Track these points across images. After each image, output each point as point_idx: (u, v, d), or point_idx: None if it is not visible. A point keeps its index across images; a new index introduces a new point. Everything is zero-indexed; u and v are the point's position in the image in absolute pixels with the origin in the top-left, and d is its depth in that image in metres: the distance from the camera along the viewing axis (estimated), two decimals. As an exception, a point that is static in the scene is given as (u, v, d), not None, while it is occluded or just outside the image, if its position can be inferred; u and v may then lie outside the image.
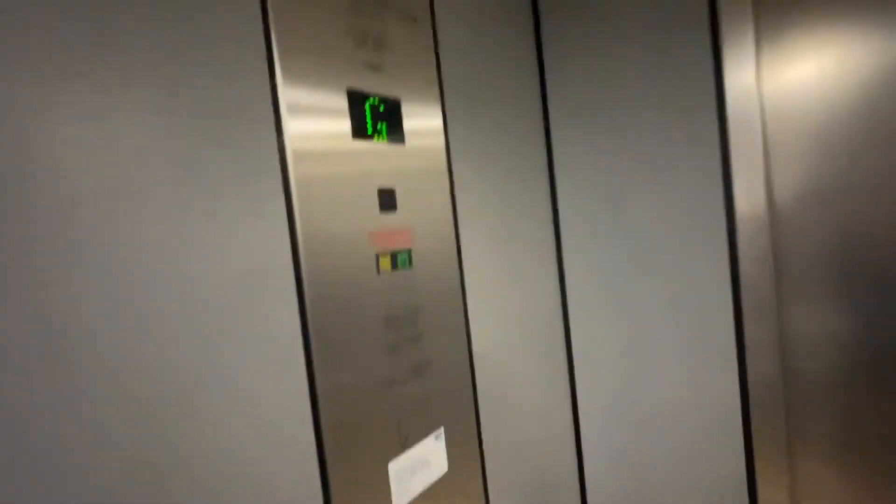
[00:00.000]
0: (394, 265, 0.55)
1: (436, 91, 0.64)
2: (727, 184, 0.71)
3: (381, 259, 0.54)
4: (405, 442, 0.55)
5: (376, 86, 0.55)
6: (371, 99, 0.54)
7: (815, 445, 0.75)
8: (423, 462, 0.58)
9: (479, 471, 0.67)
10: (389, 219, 0.55)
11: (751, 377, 0.72)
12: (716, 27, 0.69)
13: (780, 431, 0.75)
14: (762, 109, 0.72)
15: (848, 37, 0.68)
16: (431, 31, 0.63)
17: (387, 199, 0.55)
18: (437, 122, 0.63)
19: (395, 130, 0.56)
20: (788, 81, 0.72)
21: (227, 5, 0.42)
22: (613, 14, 0.79)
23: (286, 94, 0.45)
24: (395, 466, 0.54)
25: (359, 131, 0.52)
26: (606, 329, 0.87)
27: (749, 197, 0.69)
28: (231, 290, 0.40)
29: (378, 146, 0.55)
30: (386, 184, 0.55)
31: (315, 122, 0.48)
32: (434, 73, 0.63)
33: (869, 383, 0.71)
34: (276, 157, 0.45)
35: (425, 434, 0.58)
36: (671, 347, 0.80)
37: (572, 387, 0.92)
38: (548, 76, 0.89)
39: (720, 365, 0.75)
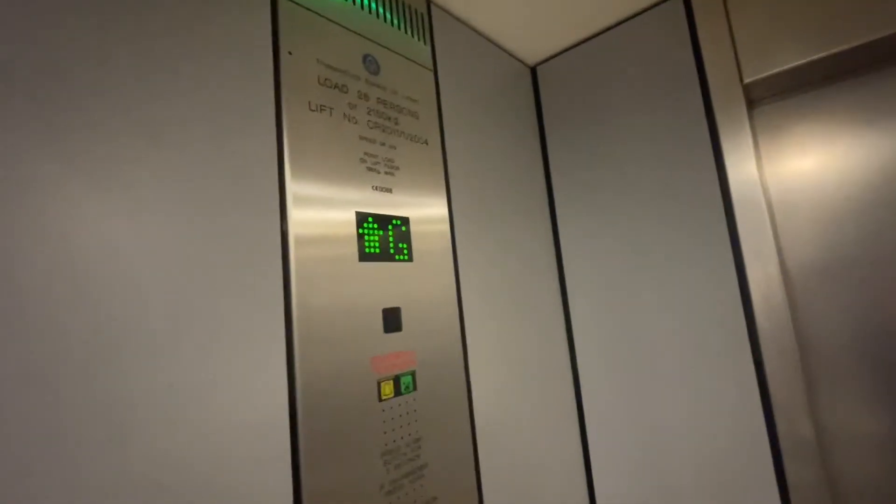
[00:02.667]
0: (397, 391, 0.52)
1: (444, 204, 0.65)
2: (741, 275, 0.68)
3: (382, 386, 0.51)
4: None
5: (385, 207, 0.56)
6: (379, 220, 0.54)
7: None
8: None
9: None
10: (394, 340, 0.53)
11: (790, 477, 0.64)
12: (714, 127, 0.71)
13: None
14: (768, 200, 0.72)
15: (843, 136, 0.69)
16: (441, 151, 0.66)
17: (392, 320, 0.54)
18: (446, 237, 0.64)
19: (402, 250, 0.56)
20: (790, 173, 0.73)
21: (243, 144, 0.44)
22: (615, 121, 0.83)
23: (294, 217, 0.46)
24: None
25: (367, 253, 0.52)
26: (624, 441, 0.79)
27: (765, 287, 0.66)
28: (215, 423, 0.37)
29: (385, 266, 0.54)
30: (391, 303, 0.54)
31: (323, 244, 0.48)
32: (443, 189, 0.65)
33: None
34: (280, 283, 0.44)
35: (426, 589, 0.51)
36: (692, 459, 0.72)
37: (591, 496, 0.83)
38: (555, 183, 0.91)
39: (751, 472, 0.66)
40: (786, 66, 0.66)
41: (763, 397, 0.66)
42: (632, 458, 0.79)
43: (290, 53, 0.49)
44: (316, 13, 0.52)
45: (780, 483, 0.65)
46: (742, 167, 0.69)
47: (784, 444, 0.65)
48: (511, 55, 0.90)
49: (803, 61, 0.65)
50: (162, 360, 0.35)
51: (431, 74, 0.67)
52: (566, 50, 0.90)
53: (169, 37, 0.40)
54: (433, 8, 0.71)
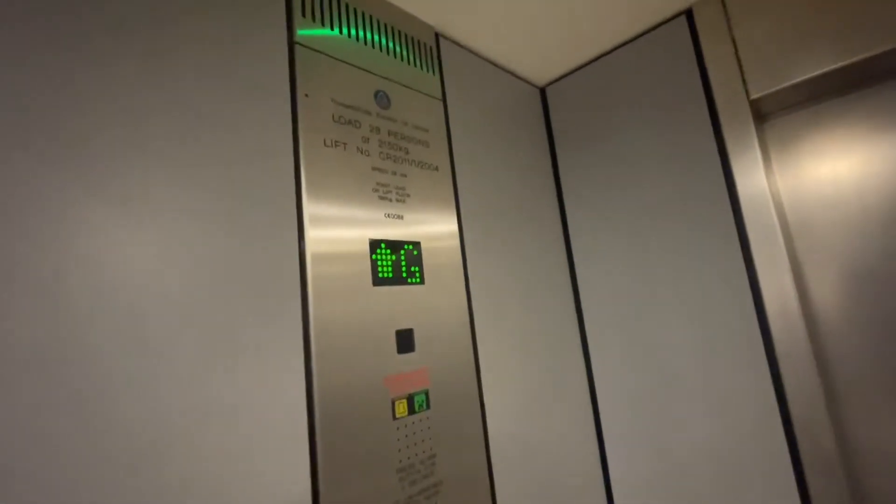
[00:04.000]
0: (411, 409, 0.54)
1: (455, 227, 0.67)
2: (755, 290, 0.68)
3: (397, 405, 0.53)
4: None
5: (397, 233, 0.59)
6: (392, 246, 0.57)
7: None
8: None
9: None
10: (407, 360, 0.56)
11: (813, 491, 0.62)
12: (722, 143, 0.72)
13: None
14: (782, 213, 0.72)
15: (858, 147, 0.69)
16: (451, 176, 0.69)
17: (405, 341, 0.56)
18: (457, 259, 0.66)
19: (414, 273, 0.59)
20: (804, 186, 0.73)
21: (263, 177, 0.47)
22: (624, 139, 0.84)
23: (312, 247, 0.49)
24: None
25: (380, 277, 0.55)
26: (643, 458, 0.79)
27: (780, 302, 0.66)
28: (237, 443, 0.41)
29: (398, 289, 0.57)
30: (404, 325, 0.57)
31: (338, 272, 0.51)
32: (454, 212, 0.68)
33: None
34: (300, 314, 0.47)
35: None
36: (712, 482, 0.71)
37: (614, 530, 0.82)
38: (566, 202, 0.92)
39: (773, 489, 0.65)
40: (792, 81, 0.66)
41: (782, 410, 0.65)
42: (651, 475, 0.79)
43: (306, 96, 0.53)
44: (330, 56, 0.56)
45: (802, 497, 0.63)
46: (751, 181, 0.69)
47: (805, 458, 0.63)
48: (520, 78, 0.92)
49: (810, 76, 0.65)
50: (188, 379, 0.39)
51: (440, 103, 0.70)
52: (575, 70, 0.93)
53: (195, 82, 0.44)
54: (441, 40, 0.74)
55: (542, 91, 0.98)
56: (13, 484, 0.30)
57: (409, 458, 0.53)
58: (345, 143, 0.55)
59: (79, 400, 0.33)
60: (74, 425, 0.33)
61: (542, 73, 0.93)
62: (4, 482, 0.30)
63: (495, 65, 0.86)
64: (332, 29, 0.58)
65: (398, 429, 0.53)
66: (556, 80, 0.96)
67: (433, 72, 0.71)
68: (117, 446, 0.34)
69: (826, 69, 0.64)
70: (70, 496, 0.32)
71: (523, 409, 0.71)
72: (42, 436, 0.32)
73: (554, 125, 0.96)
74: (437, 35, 0.74)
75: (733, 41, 0.72)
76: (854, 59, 0.62)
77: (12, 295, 0.32)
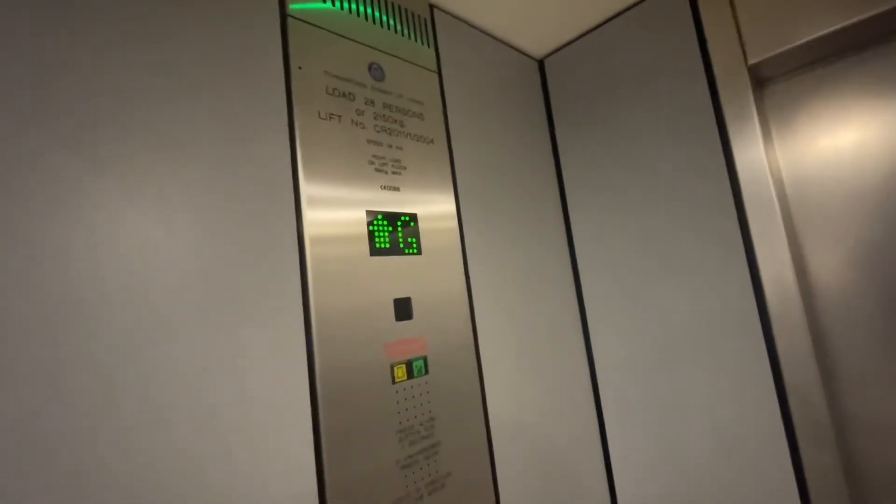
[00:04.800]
0: (409, 374, 0.56)
1: (452, 200, 0.68)
2: (752, 263, 0.68)
3: (395, 369, 0.55)
4: (420, 566, 0.53)
5: (394, 205, 0.60)
6: (389, 217, 0.59)
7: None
8: (441, 589, 0.54)
9: None
10: (405, 327, 0.57)
11: (808, 473, 0.64)
12: (720, 111, 0.71)
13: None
14: (782, 189, 0.72)
15: (859, 113, 0.68)
16: (447, 149, 0.70)
17: (403, 309, 0.58)
18: (454, 230, 0.67)
19: (411, 244, 0.60)
20: (804, 154, 0.72)
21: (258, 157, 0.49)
22: (623, 110, 0.83)
23: (309, 216, 0.51)
24: None
25: (377, 248, 0.56)
26: (641, 428, 0.81)
27: (776, 274, 0.66)
28: (244, 408, 0.43)
29: (395, 259, 0.58)
30: (402, 294, 0.58)
31: (336, 242, 0.53)
32: (450, 185, 0.68)
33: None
34: (298, 281, 0.49)
35: (443, 556, 0.55)
36: (709, 452, 0.73)
37: (611, 490, 0.85)
38: (565, 175, 0.93)
39: (767, 457, 0.67)
40: (791, 44, 0.65)
41: (777, 381, 0.66)
42: (648, 439, 0.81)
43: (300, 68, 0.53)
44: (323, 28, 0.57)
45: (795, 467, 0.65)
46: (749, 151, 0.69)
47: (799, 428, 0.65)
48: (517, 50, 0.92)
49: (810, 38, 0.64)
50: (194, 351, 0.41)
51: (436, 76, 0.71)
52: (573, 41, 0.92)
53: (188, 57, 0.45)
54: (436, 12, 0.74)
55: (541, 63, 0.97)
56: (7, 476, 0.32)
57: (408, 420, 0.55)
58: (339, 116, 0.56)
59: (83, 361, 0.35)
60: (84, 390, 0.35)
61: (539, 44, 0.92)
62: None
63: (491, 36, 0.85)
64: (324, 1, 0.58)
65: (397, 392, 0.55)
66: (554, 51, 0.95)
67: (428, 44, 0.71)
68: (125, 420, 0.37)
69: (827, 30, 0.63)
70: (82, 449, 0.34)
71: (521, 376, 0.73)
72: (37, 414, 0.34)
73: (552, 98, 0.95)
74: (431, 7, 0.73)
75: (731, 4, 0.70)
76: (856, 19, 0.61)
77: (12, 267, 0.34)
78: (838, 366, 0.70)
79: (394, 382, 0.55)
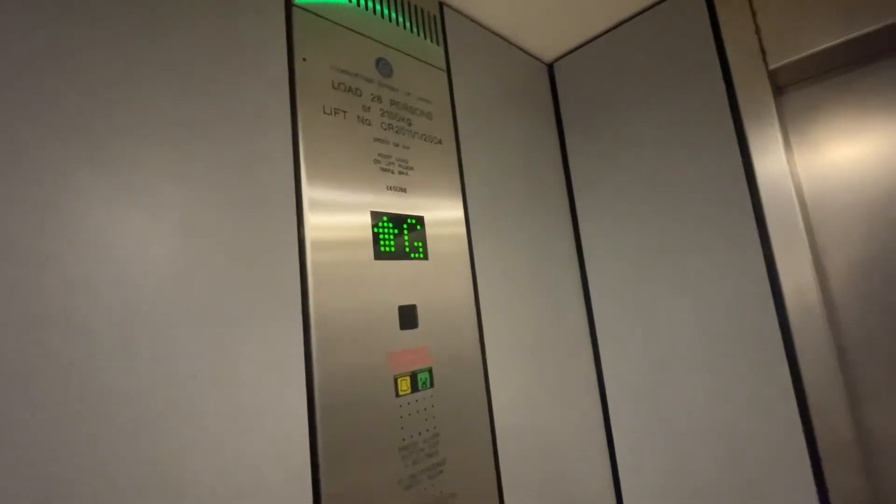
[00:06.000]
0: (414, 387, 0.53)
1: (460, 204, 0.65)
2: (772, 274, 0.65)
3: (399, 382, 0.52)
4: None
5: (400, 206, 0.57)
6: (394, 220, 0.55)
7: None
8: None
9: None
10: (410, 337, 0.54)
11: (833, 497, 0.61)
12: (738, 117, 0.69)
13: None
14: (799, 192, 0.69)
15: (880, 122, 0.65)
16: (456, 150, 0.67)
17: (408, 317, 0.54)
18: (462, 235, 0.64)
19: (417, 248, 0.57)
20: (823, 163, 0.69)
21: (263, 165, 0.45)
22: (635, 115, 0.81)
23: (311, 218, 0.47)
24: None
25: (382, 252, 0.53)
26: (650, 448, 0.77)
27: (798, 286, 0.63)
28: (236, 419, 0.39)
29: (400, 264, 0.55)
30: (407, 301, 0.55)
31: (339, 244, 0.49)
32: (458, 187, 0.65)
33: None
34: (298, 284, 0.46)
35: (446, 585, 0.51)
36: (725, 473, 0.69)
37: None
38: (574, 180, 0.90)
39: (788, 480, 0.63)
40: (814, 49, 0.63)
41: (799, 398, 0.63)
42: (659, 455, 0.77)
43: (304, 60, 0.50)
44: (329, 20, 0.54)
45: (819, 489, 0.62)
46: (770, 157, 0.66)
47: (823, 448, 0.61)
48: (527, 53, 0.89)
49: (834, 42, 0.62)
50: (184, 356, 0.37)
51: (444, 75, 0.68)
52: (584, 44, 0.89)
53: (190, 46, 0.42)
54: (446, 9, 0.71)
55: (550, 68, 0.95)
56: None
57: (411, 436, 0.51)
58: (345, 112, 0.53)
59: (71, 371, 0.32)
60: (68, 393, 0.31)
61: (550, 48, 0.90)
62: (-14, 450, 0.29)
63: (501, 37, 0.83)
64: (331, -8, 0.55)
65: (400, 406, 0.51)
66: (564, 55, 0.92)
67: (437, 42, 0.68)
68: (104, 423, 0.33)
69: (852, 35, 0.61)
70: (69, 460, 0.31)
71: (529, 391, 0.70)
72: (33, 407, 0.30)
73: (562, 103, 0.93)
74: (440, 4, 0.71)
75: (751, 8, 0.68)
76: (882, 24, 0.59)
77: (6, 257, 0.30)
78: (860, 381, 0.67)
79: (397, 396, 0.51)
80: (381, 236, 0.54)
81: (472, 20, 0.77)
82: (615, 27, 0.85)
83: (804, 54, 0.64)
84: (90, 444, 0.32)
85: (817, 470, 0.62)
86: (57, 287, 0.32)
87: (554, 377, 0.75)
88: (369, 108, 0.56)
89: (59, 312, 0.32)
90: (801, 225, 0.63)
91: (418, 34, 0.65)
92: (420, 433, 0.52)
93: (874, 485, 0.63)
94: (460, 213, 0.64)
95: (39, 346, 0.31)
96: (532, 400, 0.70)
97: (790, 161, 0.70)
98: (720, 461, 0.70)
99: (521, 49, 0.88)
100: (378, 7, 0.60)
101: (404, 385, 0.52)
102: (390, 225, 0.55)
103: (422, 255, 0.58)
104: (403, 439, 0.50)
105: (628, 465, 0.81)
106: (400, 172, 0.58)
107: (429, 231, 0.59)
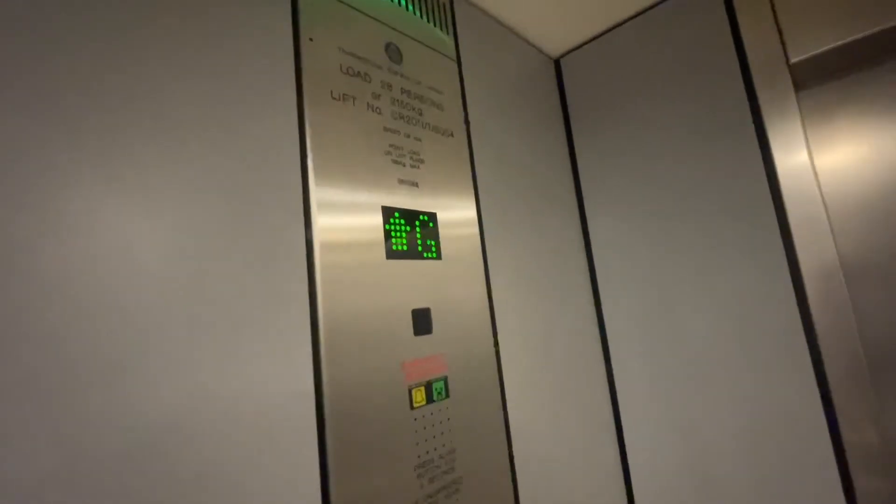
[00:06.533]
0: (429, 398, 0.48)
1: (472, 200, 0.61)
2: (796, 277, 0.62)
3: (414, 392, 0.47)
4: None
5: (412, 202, 0.52)
6: (406, 216, 0.51)
7: None
8: None
9: None
10: (424, 343, 0.50)
11: (859, 490, 0.58)
12: (758, 113, 0.66)
13: None
14: (820, 190, 0.67)
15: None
16: (467, 144, 0.63)
17: (422, 321, 0.50)
18: (475, 234, 0.60)
19: (430, 247, 0.53)
20: (842, 162, 0.67)
21: (268, 151, 0.41)
22: (645, 112, 0.78)
23: (319, 219, 0.43)
24: None
25: (394, 250, 0.49)
26: (665, 449, 0.74)
27: (825, 290, 0.61)
28: (237, 437, 0.34)
29: (413, 264, 0.51)
30: (421, 304, 0.50)
31: (349, 241, 0.45)
32: (471, 183, 0.62)
33: None
34: (305, 282, 0.41)
35: None
36: (749, 481, 0.66)
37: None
38: (582, 178, 0.87)
39: (814, 486, 0.61)
40: (837, 43, 0.61)
41: (825, 402, 0.61)
42: (675, 467, 0.74)
43: (310, 40, 0.46)
44: (336, -1, 0.50)
45: (847, 495, 0.59)
46: (792, 155, 0.64)
47: (851, 455, 0.59)
48: (534, 46, 0.86)
49: (856, 37, 0.60)
50: (184, 367, 0.32)
51: (455, 64, 0.64)
52: (591, 40, 0.87)
53: (188, 22, 0.37)
54: (455, -3, 0.68)
55: (557, 63, 0.92)
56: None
57: (427, 452, 0.47)
58: (354, 98, 0.49)
59: (43, 378, 0.27)
60: (65, 417, 0.26)
61: (556, 43, 0.87)
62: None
63: (510, 29, 0.80)
64: (338, -30, 0.51)
65: (415, 420, 0.47)
66: (571, 50, 0.90)
67: (447, 30, 0.64)
68: (105, 435, 0.28)
69: (875, 29, 0.59)
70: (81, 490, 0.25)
71: (545, 396, 0.66)
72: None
73: (568, 98, 0.90)
74: (450, -9, 0.67)
75: (771, 1, 0.66)
76: (907, 17, 0.57)
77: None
78: (882, 385, 0.64)
79: (412, 408, 0.47)
80: (392, 233, 0.49)
81: (481, 9, 0.73)
82: (624, 22, 0.82)
83: (827, 48, 0.62)
84: (72, 473, 0.27)
85: (845, 475, 0.59)
86: (50, 291, 0.27)
87: (570, 387, 0.72)
88: (379, 95, 0.52)
89: (53, 319, 0.27)
90: (827, 224, 0.61)
91: (428, 21, 0.61)
92: (436, 449, 0.48)
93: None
94: (473, 211, 0.61)
95: (30, 358, 0.26)
96: (547, 411, 0.66)
97: (811, 157, 0.68)
98: (742, 466, 0.67)
99: (528, 42, 0.85)
100: (386, -10, 0.56)
101: (419, 396, 0.48)
102: (402, 221, 0.51)
103: (434, 255, 0.54)
104: (419, 456, 0.46)
105: (643, 477, 0.77)
106: (412, 165, 0.53)
107: (442, 229, 0.55)
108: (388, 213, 0.49)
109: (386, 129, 0.52)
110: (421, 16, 0.60)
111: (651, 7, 0.79)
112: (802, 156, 0.63)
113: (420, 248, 0.52)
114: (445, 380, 0.51)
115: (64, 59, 0.31)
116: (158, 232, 0.33)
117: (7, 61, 0.29)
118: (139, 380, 0.30)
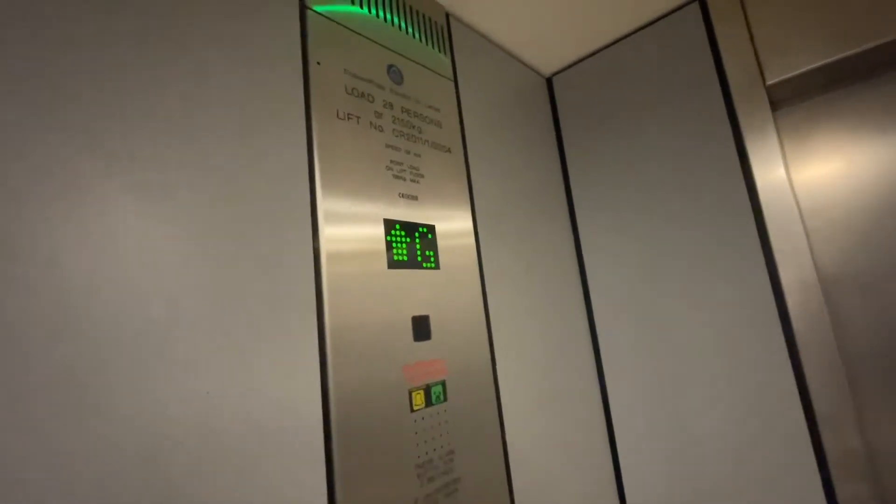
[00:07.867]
0: (428, 401, 0.51)
1: (469, 214, 0.64)
2: (776, 285, 0.66)
3: (414, 395, 0.49)
4: None
5: (412, 214, 0.55)
6: (406, 228, 0.54)
7: None
8: None
9: None
10: (423, 348, 0.52)
11: (840, 493, 0.61)
12: (738, 131, 0.70)
13: None
14: (798, 205, 0.70)
15: (873, 137, 0.68)
16: (464, 159, 0.66)
17: (421, 328, 0.53)
18: (471, 244, 0.63)
19: (429, 257, 0.56)
20: (817, 177, 0.71)
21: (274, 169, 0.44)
22: (634, 129, 0.82)
23: (325, 229, 0.46)
24: None
25: (395, 260, 0.52)
26: (655, 451, 0.76)
27: (803, 297, 0.64)
28: (250, 436, 0.36)
29: (413, 273, 0.53)
30: (420, 311, 0.53)
31: (353, 251, 0.48)
32: (467, 196, 0.65)
33: None
34: (313, 291, 0.44)
35: None
36: (733, 486, 0.69)
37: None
38: (574, 193, 0.90)
39: (797, 491, 0.63)
40: (810, 66, 0.66)
41: (806, 411, 0.63)
42: (664, 469, 0.76)
43: (318, 63, 0.49)
44: (342, 25, 0.53)
45: (828, 499, 0.61)
46: (770, 171, 0.68)
47: (833, 461, 0.61)
48: (527, 66, 0.90)
49: (829, 60, 0.64)
50: (197, 370, 0.35)
51: (452, 84, 0.68)
52: (582, 60, 0.91)
53: (205, 47, 0.40)
54: (452, 20, 0.72)
55: (549, 81, 0.96)
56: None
57: (427, 453, 0.49)
58: (358, 117, 0.52)
59: (66, 376, 0.29)
60: (71, 418, 0.29)
61: (548, 62, 0.91)
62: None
63: (504, 50, 0.84)
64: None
65: (416, 422, 0.49)
66: (563, 69, 0.94)
67: (444, 52, 0.68)
68: (119, 434, 0.30)
69: (847, 53, 0.63)
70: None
71: (538, 400, 0.68)
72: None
73: (560, 115, 0.94)
74: (447, 15, 0.71)
75: (748, 25, 0.71)
76: (875, 43, 0.61)
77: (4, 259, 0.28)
78: (865, 389, 0.67)
79: (412, 410, 0.49)
80: (393, 244, 0.52)
81: (477, 31, 0.77)
82: (613, 43, 0.87)
83: (801, 71, 0.66)
84: (85, 472, 0.29)
85: (827, 481, 0.62)
86: (62, 292, 0.30)
87: (563, 390, 0.74)
88: (381, 114, 0.55)
89: (63, 319, 0.29)
90: (804, 235, 0.65)
91: (426, 43, 0.65)
92: (436, 450, 0.50)
93: (881, 492, 0.64)
94: (469, 223, 0.64)
95: (42, 357, 0.28)
96: (540, 414, 0.68)
97: (788, 173, 0.72)
98: (728, 473, 0.70)
99: (521, 61, 0.89)
100: (389, 16, 0.60)
101: (419, 399, 0.50)
102: (403, 233, 0.54)
103: (433, 265, 0.56)
104: (419, 456, 0.48)
105: (634, 481, 0.79)
106: (412, 180, 0.56)
107: (440, 240, 0.58)
108: (389, 224, 0.52)
109: (388, 146, 0.55)
110: (420, 39, 0.64)
111: (638, 29, 0.83)
112: (780, 171, 0.67)
113: (419, 259, 0.55)
114: (443, 384, 0.53)
115: (100, 88, 0.34)
116: (179, 240, 0.36)
117: (50, 89, 0.31)
118: (153, 384, 0.33)
